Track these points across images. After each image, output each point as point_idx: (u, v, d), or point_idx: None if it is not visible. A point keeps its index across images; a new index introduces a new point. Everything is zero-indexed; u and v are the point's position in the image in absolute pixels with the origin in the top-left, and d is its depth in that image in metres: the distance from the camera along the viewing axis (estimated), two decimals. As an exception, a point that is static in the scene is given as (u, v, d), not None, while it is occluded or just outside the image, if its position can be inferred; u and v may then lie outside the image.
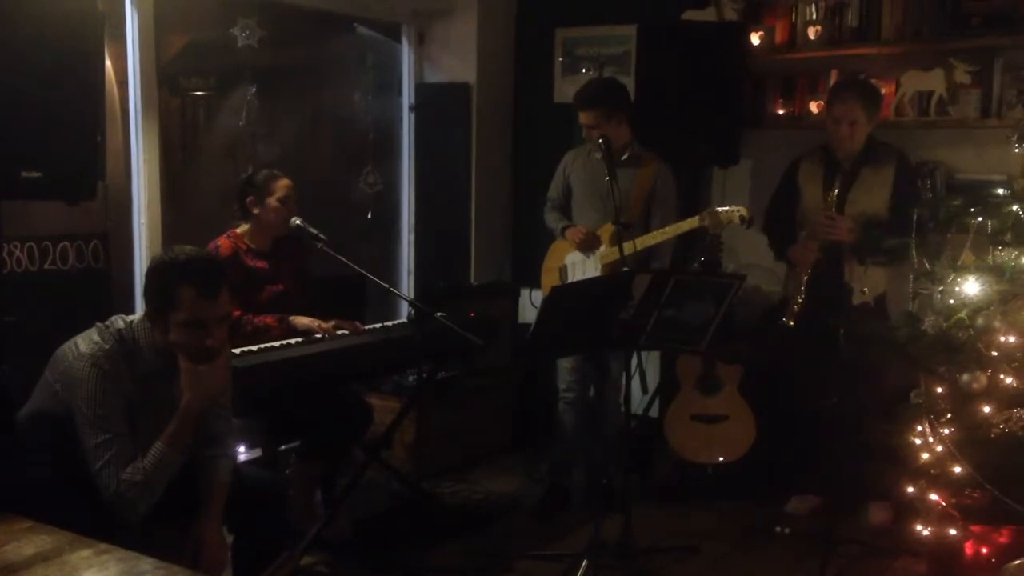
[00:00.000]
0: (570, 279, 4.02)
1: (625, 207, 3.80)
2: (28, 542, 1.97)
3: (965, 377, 2.73)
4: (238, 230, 3.54)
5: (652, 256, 3.87)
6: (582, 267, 4.01)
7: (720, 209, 3.67)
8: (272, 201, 3.47)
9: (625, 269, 3.45)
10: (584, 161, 4.05)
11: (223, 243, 3.47)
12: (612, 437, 4.04)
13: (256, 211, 3.49)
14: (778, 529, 3.74)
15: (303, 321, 3.40)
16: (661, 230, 3.77)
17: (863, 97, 3.71)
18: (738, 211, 3.65)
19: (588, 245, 3.93)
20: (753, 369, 4.10)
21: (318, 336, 3.36)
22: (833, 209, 3.67)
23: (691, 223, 3.70)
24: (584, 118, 3.87)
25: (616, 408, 4.01)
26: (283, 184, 3.50)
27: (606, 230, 3.93)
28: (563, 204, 4.12)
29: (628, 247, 3.65)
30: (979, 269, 2.80)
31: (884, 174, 3.72)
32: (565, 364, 4.07)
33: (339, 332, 3.42)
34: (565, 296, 3.23)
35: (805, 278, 3.71)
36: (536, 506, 4.06)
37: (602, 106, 3.84)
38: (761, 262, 4.63)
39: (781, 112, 4.48)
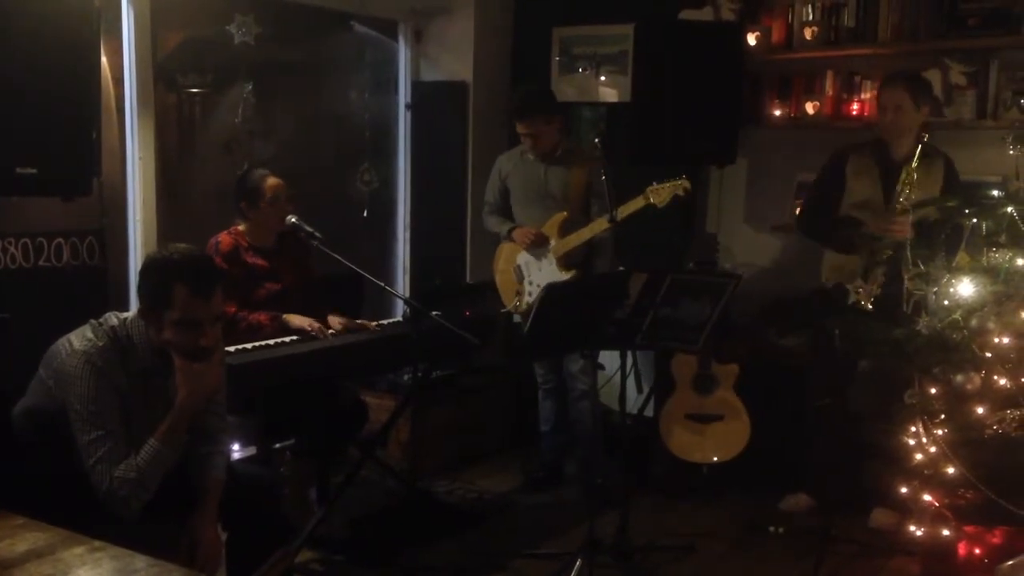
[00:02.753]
0: (526, 278, 4.14)
1: (565, 202, 4.01)
2: (21, 539, 1.97)
3: (959, 378, 2.74)
4: (240, 227, 3.56)
5: (594, 248, 3.98)
6: (537, 264, 4.11)
7: (660, 185, 3.73)
8: (263, 204, 3.49)
9: (621, 268, 3.47)
10: (518, 163, 4.19)
11: (223, 239, 3.49)
12: (596, 430, 4.06)
13: (250, 215, 3.52)
14: (772, 528, 3.75)
15: (296, 321, 3.41)
16: (625, 205, 3.78)
17: (909, 85, 3.70)
18: (681, 184, 3.72)
19: (538, 244, 4.05)
20: (749, 368, 4.11)
21: (312, 335, 3.37)
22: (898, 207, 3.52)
23: (636, 204, 3.77)
24: (523, 127, 4.02)
25: (596, 399, 4.05)
26: (272, 185, 3.50)
27: (552, 225, 4.04)
28: (502, 206, 4.27)
29: (579, 236, 3.88)
30: (974, 270, 2.80)
31: (934, 174, 3.65)
32: None
33: (330, 332, 3.42)
34: (561, 295, 3.23)
35: (886, 258, 3.42)
36: (530, 480, 4.27)
37: (540, 114, 4.00)
38: (757, 261, 4.65)
39: (778, 112, 4.48)
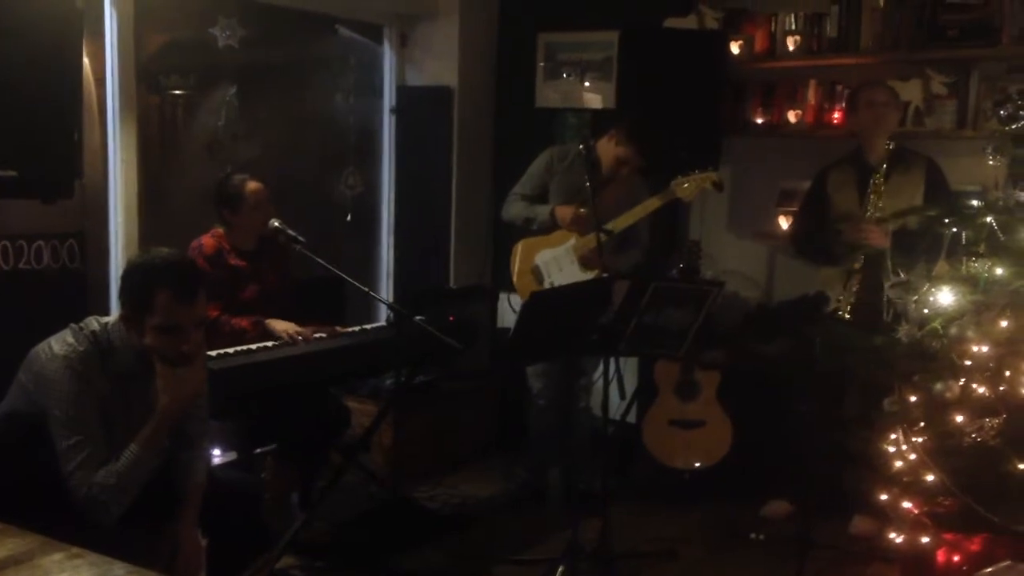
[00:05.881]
0: (546, 277, 4.03)
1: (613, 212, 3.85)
2: (-1, 545, 1.95)
3: (938, 386, 2.75)
4: (221, 230, 3.55)
5: (627, 240, 3.87)
6: (556, 263, 4.00)
7: (686, 178, 3.66)
8: (245, 209, 3.48)
9: (605, 275, 3.47)
10: (571, 166, 4.04)
11: (206, 241, 3.49)
12: (587, 441, 4.06)
13: (232, 219, 3.52)
14: (753, 535, 3.76)
15: (279, 326, 3.40)
16: (631, 211, 3.76)
17: (891, 88, 3.77)
18: (708, 177, 3.64)
19: (582, 221, 3.83)
20: (731, 375, 4.12)
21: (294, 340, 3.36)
22: (867, 215, 3.59)
23: (666, 196, 3.72)
24: (627, 153, 3.85)
25: (590, 411, 4.03)
26: (253, 190, 3.49)
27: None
28: (535, 201, 4.05)
29: (627, 218, 3.71)
30: (953, 279, 2.82)
31: (914, 179, 3.68)
32: (537, 368, 4.08)
33: (315, 335, 3.42)
34: (545, 301, 3.24)
35: (858, 267, 3.54)
36: (511, 505, 4.14)
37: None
38: (739, 269, 4.67)
39: (760, 121, 4.51)
